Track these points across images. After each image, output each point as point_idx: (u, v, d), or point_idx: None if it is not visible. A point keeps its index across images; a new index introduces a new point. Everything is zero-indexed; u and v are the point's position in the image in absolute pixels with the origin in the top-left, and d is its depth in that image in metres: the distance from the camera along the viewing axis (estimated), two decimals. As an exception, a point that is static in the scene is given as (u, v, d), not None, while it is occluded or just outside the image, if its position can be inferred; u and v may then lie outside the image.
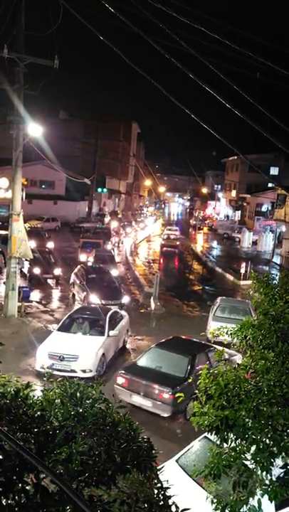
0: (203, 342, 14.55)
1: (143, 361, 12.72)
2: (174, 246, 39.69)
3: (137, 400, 11.63)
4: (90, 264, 25.04)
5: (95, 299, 19.63)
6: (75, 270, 23.14)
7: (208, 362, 12.09)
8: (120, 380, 12.04)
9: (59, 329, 15.17)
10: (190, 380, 11.13)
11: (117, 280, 22.86)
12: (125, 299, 20.97)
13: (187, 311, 23.13)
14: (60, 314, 19.94)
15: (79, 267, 23.50)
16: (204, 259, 39.52)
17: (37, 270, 24.06)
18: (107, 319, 15.37)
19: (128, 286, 26.44)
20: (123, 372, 12.27)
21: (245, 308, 18.17)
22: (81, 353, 13.45)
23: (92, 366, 13.36)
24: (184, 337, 15.11)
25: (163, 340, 14.02)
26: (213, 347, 13.41)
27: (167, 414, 11.28)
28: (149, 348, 13.49)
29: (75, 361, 13.26)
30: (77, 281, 21.74)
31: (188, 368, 12.04)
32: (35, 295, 22.42)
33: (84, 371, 13.17)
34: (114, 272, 25.73)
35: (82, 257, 29.14)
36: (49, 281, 24.70)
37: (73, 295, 22.21)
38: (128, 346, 17.01)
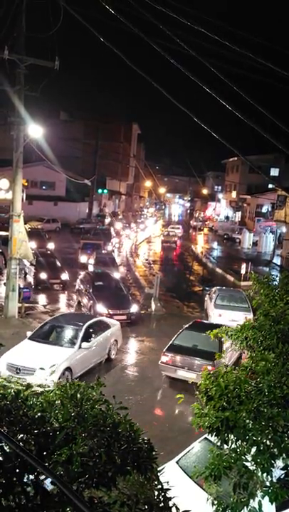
0: (219, 324, 14.95)
1: (179, 341, 14.54)
2: (174, 242, 47.70)
3: (182, 373, 13.46)
4: (95, 270, 24.00)
5: (101, 309, 18.53)
6: (81, 276, 22.35)
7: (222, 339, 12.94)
8: (164, 359, 14.01)
9: (30, 337, 13.92)
10: (223, 354, 12.14)
11: (126, 287, 21.74)
12: (134, 308, 19.53)
13: (188, 312, 23.10)
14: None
15: (84, 273, 22.75)
16: (204, 260, 39.49)
17: (43, 275, 23.43)
18: (83, 329, 13.94)
19: (129, 286, 26.43)
20: (166, 351, 14.09)
21: (241, 297, 20.06)
22: (39, 366, 10.27)
23: (50, 382, 10.75)
24: (203, 321, 18.03)
25: (188, 325, 15.80)
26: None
27: None
28: (181, 331, 15.16)
29: (31, 375, 10.97)
30: (83, 289, 20.84)
31: (220, 344, 13.47)
32: (41, 300, 21.95)
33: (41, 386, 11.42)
34: (117, 275, 25.52)
35: (83, 258, 29.00)
36: (55, 286, 23.88)
37: (79, 303, 21.41)
38: (129, 347, 16.98)
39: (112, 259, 28.22)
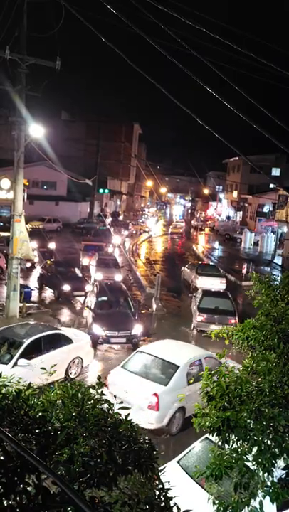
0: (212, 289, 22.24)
1: (203, 305, 19.23)
2: (180, 233, 57.52)
3: (214, 327, 16.15)
4: (103, 282, 21.00)
5: (97, 330, 16.25)
6: (92, 288, 20.44)
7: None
8: (200, 318, 18.85)
9: None
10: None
11: (135, 303, 19.00)
12: (137, 329, 16.61)
13: (188, 312, 23.10)
14: (61, 315, 19.96)
15: (94, 285, 20.49)
16: (206, 260, 39.47)
17: (66, 287, 21.76)
18: (24, 344, 12.06)
19: (129, 287, 26.45)
20: (200, 312, 18.89)
21: (216, 268, 28.68)
22: None
23: None
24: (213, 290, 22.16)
25: (203, 292, 20.57)
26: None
27: None
28: (201, 297, 19.69)
29: None
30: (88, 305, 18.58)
31: (234, 304, 19.79)
32: (65, 316, 20.24)
33: None
34: (118, 277, 25.26)
35: (85, 261, 28.56)
36: (78, 298, 22.23)
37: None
38: (130, 347, 16.97)
39: (114, 260, 27.61)
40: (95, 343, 15.94)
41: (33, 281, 24.34)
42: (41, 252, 27.84)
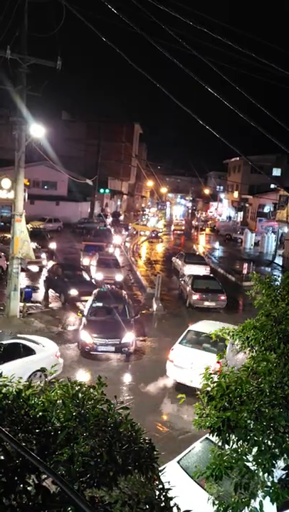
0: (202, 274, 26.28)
1: (196, 286, 22.88)
2: (181, 229, 60.88)
3: (208, 303, 22.31)
4: (101, 288, 19.90)
5: (85, 336, 15.47)
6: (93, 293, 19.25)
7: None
8: (195, 297, 22.43)
9: None
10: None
11: (131, 310, 17.63)
12: (128, 338, 15.65)
13: (189, 312, 23.10)
14: (62, 315, 19.95)
15: (96, 291, 19.24)
16: (206, 260, 39.52)
17: (74, 292, 20.75)
18: None
19: (130, 287, 26.46)
20: (194, 292, 22.42)
21: (201, 257, 34.11)
22: None
23: None
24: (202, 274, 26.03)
25: (193, 277, 24.04)
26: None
27: (224, 306, 22.61)
28: (193, 280, 23.35)
29: None
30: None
31: (221, 284, 23.85)
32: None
33: None
34: (119, 277, 25.11)
35: (85, 261, 28.46)
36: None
37: None
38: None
39: (114, 260, 27.38)
40: (83, 350, 15.43)
41: (40, 285, 23.92)
42: (48, 255, 27.72)
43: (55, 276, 22.59)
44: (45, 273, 24.22)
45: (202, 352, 13.46)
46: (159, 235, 51.82)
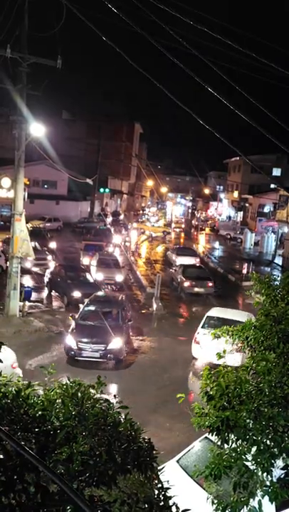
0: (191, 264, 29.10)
1: (187, 274, 25.40)
2: (181, 227, 63.65)
3: (197, 289, 24.89)
4: (99, 293, 19.06)
5: (70, 341, 14.90)
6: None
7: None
8: (187, 283, 24.89)
9: None
10: None
11: (124, 315, 16.70)
12: (115, 344, 14.82)
13: (189, 311, 23.12)
14: (62, 315, 19.95)
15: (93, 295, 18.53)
16: (206, 259, 39.52)
17: (77, 294, 20.21)
18: None
19: (130, 286, 26.46)
20: (186, 279, 24.96)
21: (192, 249, 37.59)
22: None
23: None
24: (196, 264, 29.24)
25: (184, 266, 26.79)
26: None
27: (212, 292, 25.12)
28: (184, 269, 26.14)
29: None
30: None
31: (209, 273, 26.90)
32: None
33: None
34: (120, 278, 24.88)
35: (85, 260, 28.33)
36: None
37: None
38: (130, 346, 16.98)
39: (115, 260, 26.87)
40: (68, 355, 14.82)
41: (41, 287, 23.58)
42: (53, 256, 27.45)
43: (58, 277, 22.30)
44: (48, 274, 23.93)
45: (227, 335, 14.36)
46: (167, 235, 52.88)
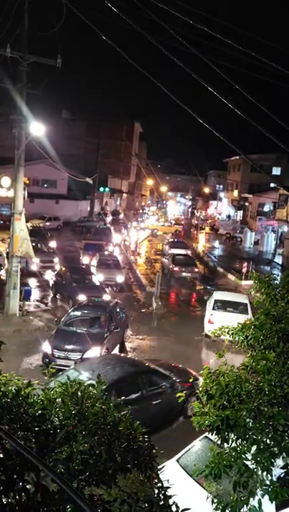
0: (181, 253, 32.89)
1: (176, 262, 29.30)
2: (181, 224, 65.23)
3: (185, 274, 28.24)
4: (89, 300, 18.03)
5: (46, 347, 14.18)
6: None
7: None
8: (176, 268, 28.47)
9: None
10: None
11: (109, 323, 15.53)
12: (92, 353, 13.71)
13: (188, 311, 23.14)
14: (61, 313, 19.95)
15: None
16: (206, 258, 39.54)
17: (83, 297, 19.57)
18: None
19: (130, 285, 26.45)
20: (174, 266, 28.57)
21: (184, 243, 39.33)
22: None
23: None
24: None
25: (176, 254, 31.19)
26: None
27: (198, 276, 29.16)
28: (174, 257, 30.21)
29: None
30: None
31: (195, 260, 31.52)
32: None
33: None
34: (120, 279, 24.62)
35: (85, 259, 28.20)
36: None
37: None
38: (130, 346, 16.99)
39: (115, 261, 26.55)
40: (44, 362, 13.81)
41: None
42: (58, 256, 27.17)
43: (63, 280, 21.89)
44: (53, 277, 23.61)
45: (232, 313, 17.62)
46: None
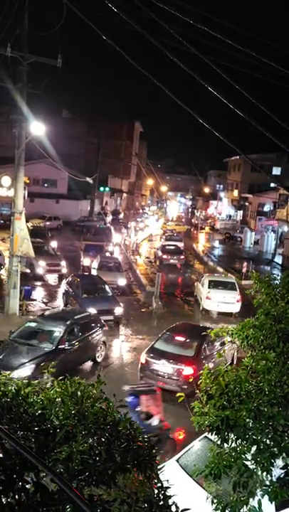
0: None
1: (164, 250, 34.73)
2: (182, 221, 71.02)
3: (172, 261, 33.57)
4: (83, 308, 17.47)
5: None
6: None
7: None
8: (165, 256, 33.82)
9: None
10: None
11: (60, 339, 13.49)
12: (22, 372, 11.74)
13: (188, 310, 23.14)
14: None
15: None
16: (206, 258, 39.54)
17: (92, 310, 18.01)
18: None
19: (129, 285, 26.43)
20: (162, 253, 34.34)
21: (179, 237, 43.69)
22: None
23: None
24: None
25: (165, 245, 36.74)
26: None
27: (183, 262, 34.63)
28: (162, 246, 35.85)
29: None
30: None
31: (182, 249, 36.98)
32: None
33: None
34: (122, 282, 23.88)
35: (86, 261, 27.44)
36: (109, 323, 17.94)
37: None
38: (130, 345, 16.98)
39: (117, 264, 25.68)
40: None
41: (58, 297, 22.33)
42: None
43: (73, 290, 20.31)
44: (64, 285, 21.99)
45: (225, 291, 21.76)
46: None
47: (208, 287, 21.94)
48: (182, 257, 34.37)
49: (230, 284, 22.59)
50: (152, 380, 12.70)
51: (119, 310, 18.55)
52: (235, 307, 21.50)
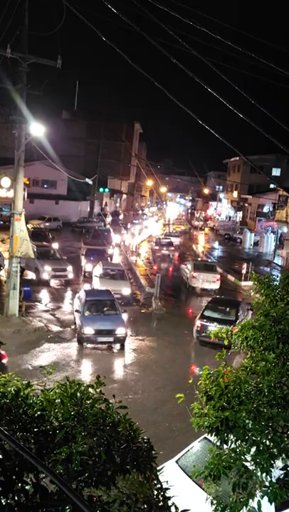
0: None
1: (159, 243, 40.59)
2: (182, 220, 71.63)
3: (164, 252, 39.21)
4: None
5: None
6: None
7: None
8: (157, 247, 39.95)
9: None
10: None
11: None
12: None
13: (188, 311, 23.14)
14: (61, 314, 19.93)
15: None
16: (206, 259, 39.54)
17: (89, 330, 16.80)
18: None
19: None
20: (157, 246, 40.13)
21: (176, 234, 49.59)
22: None
23: None
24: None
25: (160, 238, 43.17)
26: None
27: (175, 253, 39.86)
28: (158, 240, 42.07)
29: None
30: None
31: (173, 242, 42.42)
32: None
33: None
34: (126, 291, 22.52)
35: (88, 267, 26.35)
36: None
37: None
38: (129, 346, 16.97)
39: (121, 271, 24.14)
40: None
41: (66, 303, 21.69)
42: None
43: (80, 306, 18.15)
44: (76, 300, 19.62)
45: (209, 273, 26.63)
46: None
47: (194, 269, 26.63)
48: (172, 248, 39.66)
49: (212, 266, 28.35)
50: (207, 338, 15.84)
51: (121, 331, 16.58)
52: (216, 285, 26.46)
